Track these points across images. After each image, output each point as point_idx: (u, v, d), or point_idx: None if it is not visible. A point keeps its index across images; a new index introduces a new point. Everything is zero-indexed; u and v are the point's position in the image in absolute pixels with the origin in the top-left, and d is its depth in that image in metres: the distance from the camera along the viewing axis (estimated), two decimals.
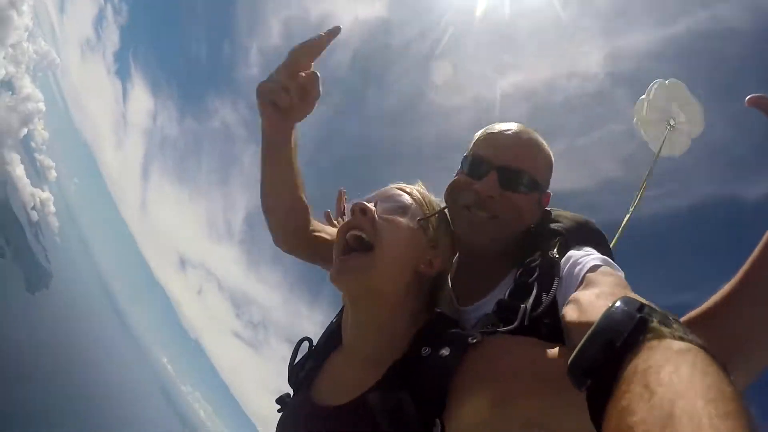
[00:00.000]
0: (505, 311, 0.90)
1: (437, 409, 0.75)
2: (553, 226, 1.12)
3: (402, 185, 1.04)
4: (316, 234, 1.31)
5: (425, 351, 0.83)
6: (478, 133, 1.19)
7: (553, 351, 0.75)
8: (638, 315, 0.53)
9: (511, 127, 1.15)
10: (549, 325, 0.88)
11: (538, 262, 1.00)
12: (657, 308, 0.55)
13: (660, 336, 0.50)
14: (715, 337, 0.75)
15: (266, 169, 1.18)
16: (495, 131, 1.14)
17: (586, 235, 1.11)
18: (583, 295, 0.83)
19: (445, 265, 1.01)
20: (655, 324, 0.52)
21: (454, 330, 0.87)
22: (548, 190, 1.18)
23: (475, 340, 0.80)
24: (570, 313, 0.80)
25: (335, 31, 1.01)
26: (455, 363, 0.78)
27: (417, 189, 1.04)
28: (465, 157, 1.17)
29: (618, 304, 0.56)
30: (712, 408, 0.37)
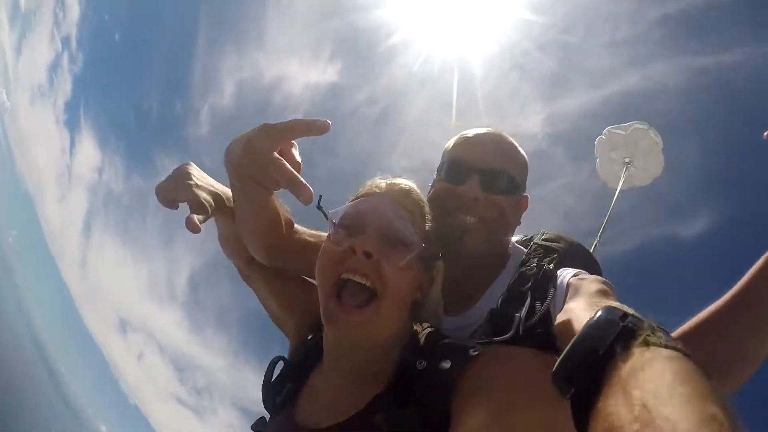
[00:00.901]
0: (498, 320, 0.90)
1: (442, 423, 0.73)
2: (551, 244, 1.13)
3: (399, 195, 0.93)
4: (297, 237, 1.14)
5: (421, 364, 0.80)
6: (452, 140, 1.18)
7: (550, 362, 0.73)
8: (621, 323, 0.54)
9: (486, 130, 1.15)
10: (542, 334, 0.87)
11: (533, 272, 1.00)
12: (641, 317, 0.56)
13: (643, 344, 0.50)
14: (709, 349, 0.81)
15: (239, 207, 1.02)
16: (471, 135, 1.14)
17: (580, 256, 1.12)
18: (571, 305, 0.83)
19: (434, 284, 0.96)
20: (638, 332, 0.53)
21: (451, 341, 0.83)
22: (525, 194, 1.18)
23: (476, 353, 0.78)
24: (559, 324, 0.81)
25: (325, 127, 0.82)
26: (458, 375, 0.76)
27: (416, 201, 0.94)
28: (442, 163, 1.16)
29: (601, 312, 0.58)
30: (694, 414, 0.37)
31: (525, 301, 0.92)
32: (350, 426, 0.81)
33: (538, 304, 0.92)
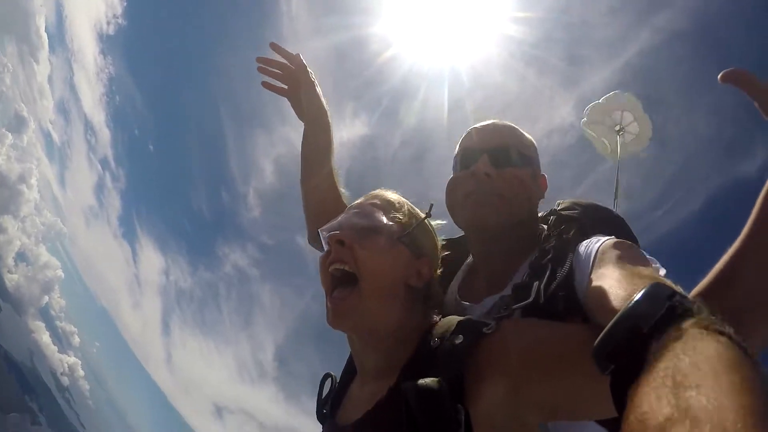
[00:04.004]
0: (520, 292, 0.91)
1: (457, 395, 0.72)
2: (567, 212, 1.11)
3: (371, 198, 1.03)
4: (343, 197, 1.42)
5: (434, 342, 0.82)
6: (461, 138, 1.23)
7: (567, 330, 0.76)
8: (668, 302, 0.52)
9: (489, 118, 1.20)
10: (565, 297, 0.86)
11: (552, 244, 0.99)
12: (688, 296, 0.54)
13: (689, 325, 0.48)
14: (729, 306, 0.74)
15: (307, 136, 1.48)
16: (476, 126, 1.18)
17: (604, 218, 1.09)
18: (604, 273, 0.80)
19: (434, 270, 1.00)
20: (685, 313, 0.50)
21: (467, 319, 0.85)
22: (543, 173, 1.19)
23: (489, 330, 0.78)
24: (594, 293, 0.78)
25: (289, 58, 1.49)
26: (467, 349, 0.76)
27: (389, 199, 1.02)
28: (454, 159, 1.20)
29: (647, 289, 0.55)
30: (736, 403, 0.35)
31: (546, 272, 0.92)
32: (377, 411, 0.84)
33: (558, 269, 0.91)
